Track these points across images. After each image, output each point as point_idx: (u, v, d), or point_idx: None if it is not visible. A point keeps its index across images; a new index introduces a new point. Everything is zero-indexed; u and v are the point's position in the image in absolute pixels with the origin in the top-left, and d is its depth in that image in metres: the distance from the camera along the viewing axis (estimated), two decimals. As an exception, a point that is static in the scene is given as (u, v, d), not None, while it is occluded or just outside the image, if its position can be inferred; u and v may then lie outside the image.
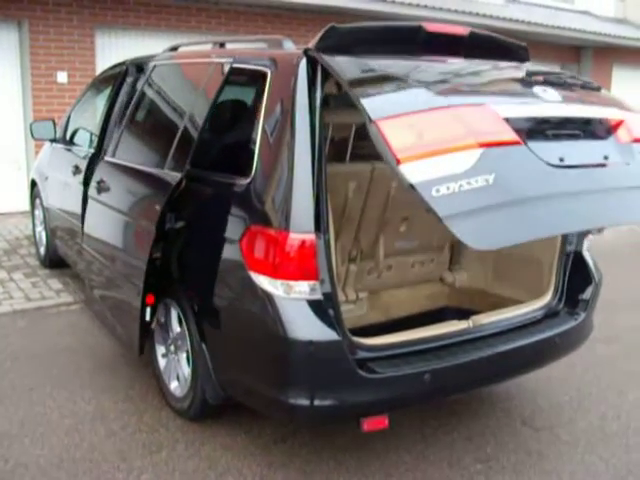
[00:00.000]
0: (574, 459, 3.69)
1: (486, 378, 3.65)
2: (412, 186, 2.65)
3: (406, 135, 2.80)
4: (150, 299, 3.76)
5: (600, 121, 3.39)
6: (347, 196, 3.88)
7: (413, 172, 2.68)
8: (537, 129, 3.13)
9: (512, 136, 2.97)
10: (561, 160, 3.04)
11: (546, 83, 3.48)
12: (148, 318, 3.81)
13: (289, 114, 3.18)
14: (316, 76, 3.17)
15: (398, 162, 2.70)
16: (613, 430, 4.01)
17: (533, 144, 3.00)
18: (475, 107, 3.09)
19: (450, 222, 2.59)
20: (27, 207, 7.84)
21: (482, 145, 2.85)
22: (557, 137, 3.15)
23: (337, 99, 3.85)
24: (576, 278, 4.02)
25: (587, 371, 4.77)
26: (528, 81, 3.52)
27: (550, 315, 3.88)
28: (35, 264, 7.04)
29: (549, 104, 3.32)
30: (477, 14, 12.49)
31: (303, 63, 3.23)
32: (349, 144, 3.88)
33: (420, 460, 3.63)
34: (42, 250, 6.97)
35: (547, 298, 3.94)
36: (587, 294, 3.99)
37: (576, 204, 2.95)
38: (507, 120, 3.02)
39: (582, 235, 4.09)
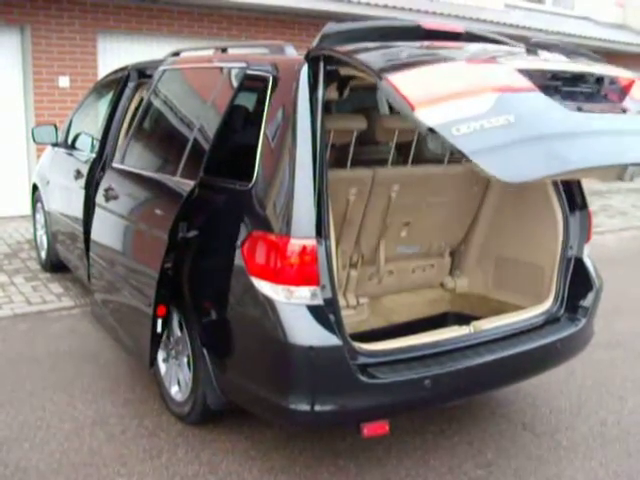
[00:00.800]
0: (574, 464, 3.69)
1: (487, 384, 3.66)
2: (431, 129, 2.56)
3: (418, 85, 2.76)
4: (162, 310, 3.68)
5: (612, 80, 3.34)
6: (348, 201, 3.89)
7: (430, 116, 2.61)
8: (551, 85, 3.06)
9: (527, 83, 2.94)
10: (579, 109, 3.01)
11: (552, 49, 3.48)
12: (159, 330, 3.72)
13: (290, 120, 3.19)
14: (317, 82, 3.18)
15: (413, 108, 2.63)
16: (613, 436, 4.00)
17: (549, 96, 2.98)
18: (486, 61, 3.09)
19: (476, 157, 2.50)
20: (28, 211, 7.85)
21: (498, 90, 2.82)
22: (572, 94, 3.10)
23: (338, 105, 3.85)
24: (577, 284, 4.02)
25: (587, 377, 4.77)
26: (534, 50, 3.52)
27: (551, 321, 3.88)
28: (36, 268, 7.05)
29: (560, 62, 3.31)
30: (477, 19, 12.52)
31: (305, 69, 3.24)
32: (350, 150, 3.89)
33: (420, 465, 3.63)
34: (43, 254, 6.98)
35: (548, 304, 3.94)
36: (588, 300, 3.99)
37: (600, 141, 2.89)
38: (520, 71, 2.99)
39: (582, 240, 4.09)
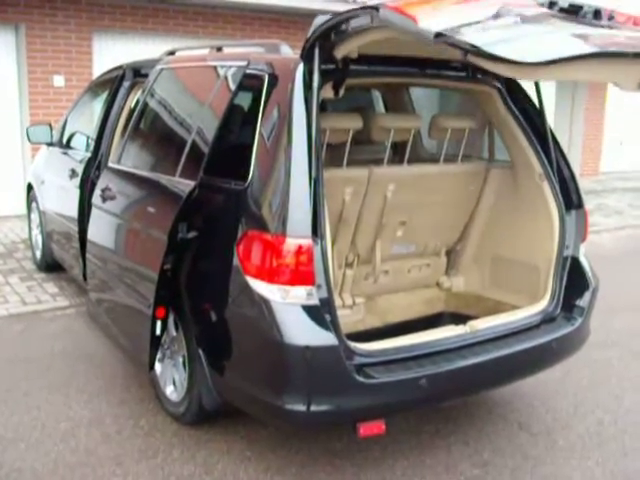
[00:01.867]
0: (571, 464, 3.69)
1: (483, 383, 3.66)
2: (438, 34, 2.47)
3: (419, 6, 2.73)
4: (161, 312, 3.64)
5: (611, 14, 3.25)
6: (344, 201, 3.88)
7: (434, 24, 2.53)
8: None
9: (531, 2, 2.93)
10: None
11: None
12: (159, 332, 3.68)
13: (286, 119, 3.19)
14: (313, 81, 3.17)
15: (415, 21, 2.57)
16: (610, 435, 4.00)
17: None
18: None
19: (490, 48, 2.41)
20: (23, 211, 7.83)
21: (500, 2, 2.79)
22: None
23: (334, 104, 3.84)
24: (573, 283, 4.02)
25: (584, 376, 4.77)
26: None
27: (547, 320, 3.87)
28: (31, 268, 7.03)
29: None
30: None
31: (300, 68, 3.24)
32: (346, 149, 3.88)
33: (417, 465, 3.62)
34: (38, 254, 6.96)
35: (544, 303, 3.94)
36: (584, 299, 3.98)
37: (618, 39, 2.85)
38: None
39: (579, 240, 4.09)
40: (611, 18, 3.12)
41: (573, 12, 3.00)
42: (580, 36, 2.72)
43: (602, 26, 3.02)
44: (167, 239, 3.45)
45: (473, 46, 2.43)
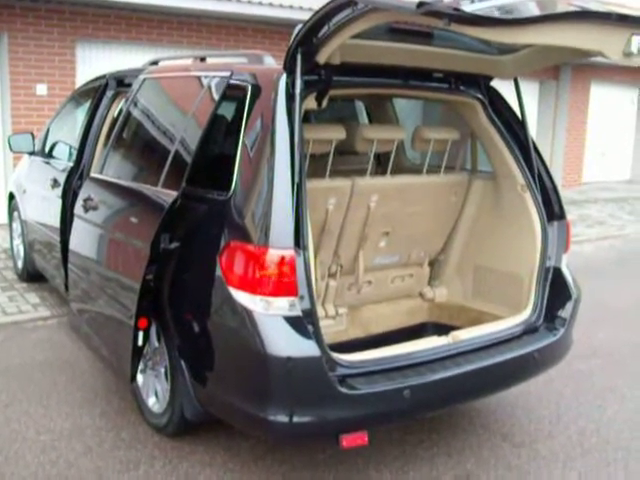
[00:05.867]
0: (554, 474, 3.70)
1: (466, 394, 3.65)
2: (420, 4, 2.44)
3: None
4: (143, 323, 3.62)
5: None
6: (327, 211, 3.88)
7: None
8: None
9: None
10: None
11: None
12: (140, 343, 3.66)
13: (269, 129, 3.19)
14: (296, 91, 3.18)
15: None
16: (592, 444, 4.02)
17: None
18: None
19: (473, 9, 2.42)
20: (5, 220, 7.77)
21: None
22: None
23: (317, 115, 3.84)
24: (555, 294, 4.03)
25: (566, 386, 4.78)
26: None
27: (529, 331, 3.89)
28: (12, 278, 6.97)
29: None
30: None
31: (283, 78, 3.25)
32: (329, 160, 3.89)
33: (400, 476, 3.61)
34: (20, 263, 6.91)
35: (526, 314, 3.95)
36: (566, 310, 4.00)
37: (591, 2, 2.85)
38: None
39: (561, 250, 4.12)
40: None
41: None
42: (562, 1, 2.73)
43: None
44: (149, 249, 3.43)
45: (455, 9, 2.43)
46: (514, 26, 2.54)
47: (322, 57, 3.26)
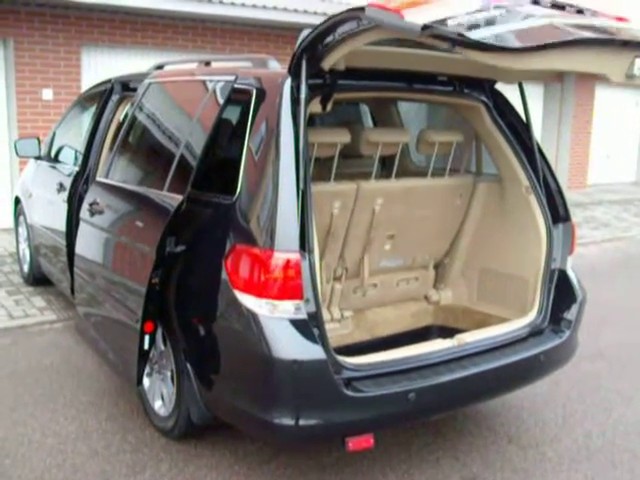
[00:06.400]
0: (560, 477, 3.69)
1: (471, 397, 3.65)
2: (425, 26, 2.49)
3: (404, 5, 2.73)
4: (149, 326, 3.62)
5: (594, 12, 3.28)
6: (332, 215, 3.88)
7: (420, 17, 2.56)
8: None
9: None
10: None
11: None
12: (147, 347, 3.66)
13: (274, 133, 3.20)
14: (300, 95, 3.19)
15: (401, 15, 2.59)
16: (598, 447, 4.01)
17: None
18: None
19: (477, 36, 2.45)
20: (11, 224, 7.79)
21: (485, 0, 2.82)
22: None
23: (322, 118, 3.84)
24: (560, 296, 4.03)
25: (572, 388, 4.78)
26: None
27: (535, 333, 3.89)
28: (19, 282, 6.99)
29: None
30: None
31: (288, 82, 3.26)
32: (334, 163, 3.89)
33: (406, 479, 3.61)
34: (26, 267, 6.93)
35: (532, 316, 3.95)
36: (572, 312, 4.00)
37: (594, 26, 2.89)
38: None
39: (566, 252, 4.11)
40: (594, 15, 3.16)
41: (557, 7, 3.05)
42: (566, 25, 2.74)
43: (587, 17, 3.05)
44: (155, 253, 3.44)
45: (460, 35, 2.45)
46: (519, 53, 2.55)
47: (327, 64, 3.27)
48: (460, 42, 2.49)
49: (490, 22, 2.61)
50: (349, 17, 2.91)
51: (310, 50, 3.17)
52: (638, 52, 2.85)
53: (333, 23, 3.00)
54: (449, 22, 2.52)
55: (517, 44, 2.50)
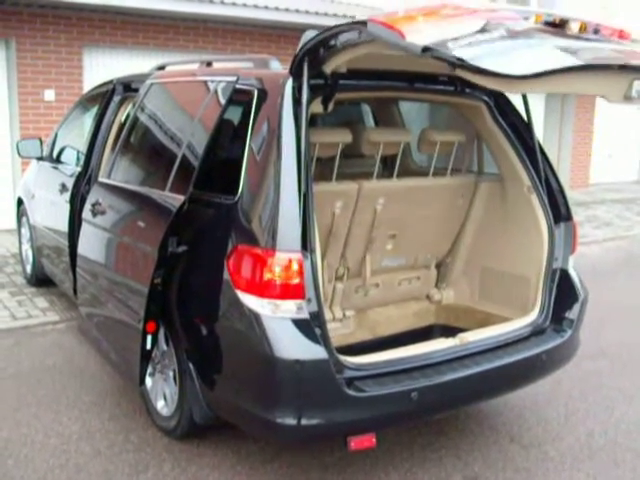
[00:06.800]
0: (562, 476, 3.70)
1: (474, 396, 3.66)
2: (425, 48, 2.51)
3: (406, 21, 2.76)
4: (151, 327, 3.63)
5: (596, 28, 3.29)
6: (334, 215, 3.89)
7: (422, 38, 2.57)
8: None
9: (516, 15, 2.95)
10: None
11: None
12: (149, 347, 3.67)
13: (275, 133, 3.21)
14: (302, 95, 3.19)
15: (403, 35, 2.60)
16: (600, 446, 4.01)
17: None
18: (471, 9, 3.09)
19: (477, 62, 2.45)
20: (13, 225, 7.80)
21: (487, 17, 2.83)
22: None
23: (323, 118, 3.84)
24: (562, 295, 4.04)
25: (574, 387, 4.78)
26: None
27: (537, 332, 3.89)
28: (21, 282, 7.01)
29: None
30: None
31: (289, 83, 3.26)
32: (335, 163, 3.90)
33: (408, 478, 3.62)
34: (28, 268, 6.94)
35: (534, 315, 3.95)
36: (573, 311, 4.00)
37: (603, 52, 2.90)
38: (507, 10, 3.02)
39: (568, 252, 4.12)
40: (596, 32, 3.15)
41: (559, 26, 3.04)
42: (566, 49, 2.75)
43: (588, 39, 3.05)
44: (157, 253, 3.45)
45: (460, 59, 2.46)
46: (516, 80, 2.57)
47: (328, 68, 3.29)
48: (460, 66, 2.50)
49: (491, 43, 2.62)
50: (351, 29, 2.94)
51: (312, 54, 3.18)
52: (636, 75, 2.87)
53: (336, 32, 3.03)
54: (449, 44, 2.53)
55: (517, 70, 2.50)
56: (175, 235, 3.53)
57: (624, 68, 2.84)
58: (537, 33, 2.89)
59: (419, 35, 2.61)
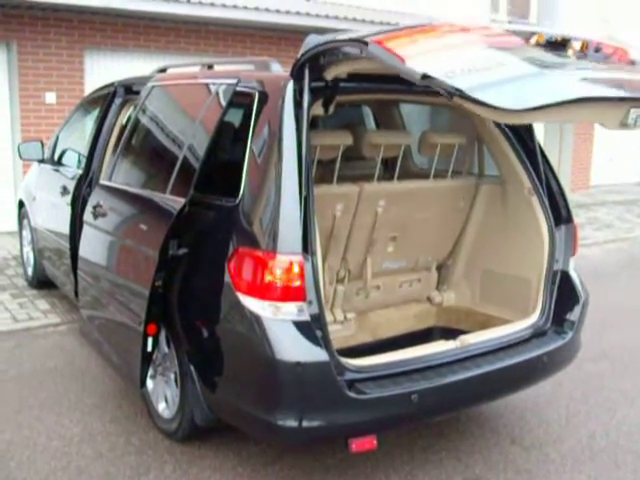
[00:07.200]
0: (563, 478, 3.70)
1: (474, 398, 3.66)
2: (424, 76, 2.53)
3: (405, 44, 2.79)
4: (152, 329, 3.65)
5: (597, 47, 3.27)
6: (334, 217, 3.90)
7: (421, 65, 2.59)
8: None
9: (517, 39, 2.97)
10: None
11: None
12: (150, 349, 3.68)
13: (276, 136, 3.21)
14: (303, 98, 3.20)
15: (403, 60, 2.63)
16: (601, 448, 4.01)
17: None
18: (470, 28, 3.13)
19: (474, 93, 2.46)
20: (15, 227, 7.81)
21: (487, 44, 2.85)
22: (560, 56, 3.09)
23: (324, 121, 3.84)
24: (563, 297, 4.04)
25: (575, 389, 4.78)
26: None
27: (538, 334, 3.89)
28: (23, 285, 7.01)
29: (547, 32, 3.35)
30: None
31: (290, 85, 3.27)
32: (336, 165, 3.90)
33: (409, 480, 3.63)
34: (30, 271, 6.95)
35: (534, 317, 3.96)
36: (574, 313, 4.00)
37: (600, 80, 2.92)
38: (508, 32, 3.06)
39: (568, 254, 4.12)
40: (598, 50, 3.18)
41: (561, 45, 3.07)
42: (564, 81, 2.76)
43: (586, 68, 3.07)
44: (158, 256, 3.46)
45: (457, 90, 2.47)
46: (511, 113, 2.58)
47: (329, 75, 3.31)
48: (458, 96, 2.51)
49: (490, 72, 2.64)
50: (353, 45, 2.96)
51: (313, 61, 3.20)
52: (633, 103, 2.87)
53: (337, 46, 3.05)
54: (448, 72, 2.54)
55: (513, 104, 2.50)
56: (176, 238, 3.53)
57: (622, 99, 2.85)
58: (537, 60, 2.90)
59: (418, 61, 2.64)
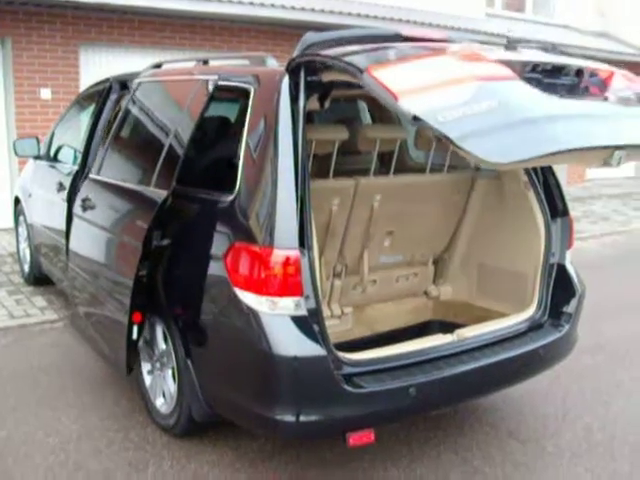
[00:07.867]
0: (560, 471, 3.71)
1: (472, 391, 3.67)
2: (415, 117, 2.58)
3: (400, 77, 2.81)
4: (137, 317, 3.71)
5: (592, 72, 3.34)
6: (331, 212, 3.90)
7: (413, 104, 2.63)
8: (532, 77, 3.10)
9: (509, 73, 2.98)
10: (561, 96, 3.06)
11: (530, 47, 3.58)
12: (135, 337, 3.75)
13: (272, 131, 3.21)
14: (299, 93, 3.20)
15: (396, 98, 2.66)
16: (598, 440, 4.02)
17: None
18: (466, 54, 3.15)
19: (463, 142, 2.50)
20: (11, 224, 7.80)
21: (479, 79, 2.87)
22: (553, 86, 3.10)
23: (320, 115, 3.84)
24: (560, 290, 4.04)
25: (572, 382, 4.79)
26: (514, 47, 3.62)
27: (534, 327, 3.90)
28: (19, 281, 7.01)
29: (539, 56, 3.36)
30: (459, 29, 12.59)
31: (285, 80, 3.26)
32: (332, 160, 3.90)
33: (407, 474, 3.63)
34: (26, 267, 6.94)
35: (531, 311, 3.96)
36: (571, 306, 4.01)
37: (588, 124, 2.91)
38: (502, 62, 3.06)
39: (565, 247, 4.13)
40: (593, 75, 3.24)
41: (557, 71, 3.14)
42: (550, 129, 2.75)
43: (575, 99, 3.15)
44: (142, 246, 3.52)
45: (447, 137, 2.52)
46: (503, 164, 2.62)
47: (325, 78, 3.31)
48: (447, 141, 2.55)
49: (480, 119, 2.65)
50: (349, 69, 2.95)
51: (309, 64, 3.21)
52: (618, 147, 2.88)
53: (334, 64, 3.06)
54: (439, 117, 2.57)
55: (499, 158, 2.54)
56: (161, 229, 3.58)
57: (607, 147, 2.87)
58: (526, 103, 2.89)
59: (411, 100, 2.66)
